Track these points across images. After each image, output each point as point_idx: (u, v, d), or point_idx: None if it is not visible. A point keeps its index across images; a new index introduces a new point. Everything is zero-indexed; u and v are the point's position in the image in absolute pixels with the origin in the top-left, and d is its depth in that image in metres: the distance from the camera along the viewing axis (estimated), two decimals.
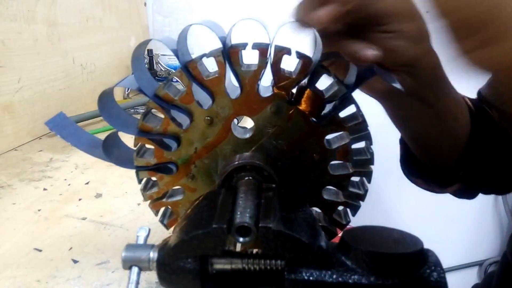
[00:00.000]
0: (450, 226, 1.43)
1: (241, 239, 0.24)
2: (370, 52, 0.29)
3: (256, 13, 1.27)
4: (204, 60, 0.30)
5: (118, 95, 1.07)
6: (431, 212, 1.35)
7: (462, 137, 0.44)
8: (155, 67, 1.18)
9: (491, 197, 1.46)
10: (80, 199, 0.52)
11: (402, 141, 0.52)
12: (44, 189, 0.55)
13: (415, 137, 0.45)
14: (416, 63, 0.34)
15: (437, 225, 1.40)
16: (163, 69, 1.18)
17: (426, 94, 0.37)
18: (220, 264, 0.25)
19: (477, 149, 0.45)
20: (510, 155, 0.46)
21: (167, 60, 1.19)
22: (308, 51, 0.31)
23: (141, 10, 1.25)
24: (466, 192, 0.52)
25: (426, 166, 0.48)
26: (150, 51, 1.15)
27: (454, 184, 0.50)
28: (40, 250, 0.41)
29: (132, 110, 0.94)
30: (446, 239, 1.42)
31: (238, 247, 0.25)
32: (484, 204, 1.47)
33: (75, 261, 0.39)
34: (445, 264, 0.25)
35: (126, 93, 1.07)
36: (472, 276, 1.50)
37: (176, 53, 0.29)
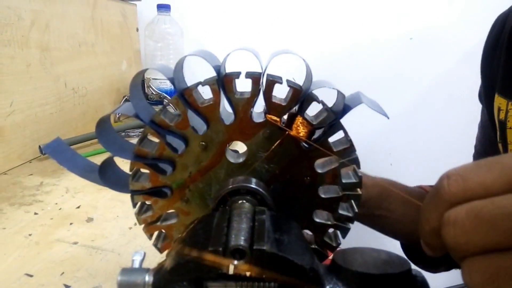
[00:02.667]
0: None
1: (235, 262, 0.24)
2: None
3: (244, 39, 1.31)
4: (199, 87, 0.32)
5: None
6: None
7: None
8: (146, 90, 1.19)
9: None
10: (71, 223, 0.52)
11: None
12: (35, 213, 0.55)
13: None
14: None
15: None
16: (154, 93, 1.20)
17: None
18: None
19: None
20: None
21: (158, 84, 1.20)
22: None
23: (133, 35, 1.27)
24: (453, 268, 0.61)
25: (413, 256, 0.58)
26: None
27: (440, 267, 0.60)
28: (31, 276, 0.41)
29: (123, 133, 0.95)
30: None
31: (231, 270, 0.26)
32: None
33: (67, 286, 0.39)
34: (433, 286, 0.26)
35: (117, 116, 1.08)
36: None
37: (172, 81, 0.31)
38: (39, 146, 0.77)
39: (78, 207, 0.57)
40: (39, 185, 0.65)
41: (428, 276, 0.27)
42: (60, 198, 0.60)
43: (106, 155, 0.32)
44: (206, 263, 0.24)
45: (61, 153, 0.33)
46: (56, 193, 0.62)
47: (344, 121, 0.33)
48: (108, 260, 0.44)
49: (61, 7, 0.88)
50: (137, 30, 1.29)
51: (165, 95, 1.18)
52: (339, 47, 1.30)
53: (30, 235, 0.49)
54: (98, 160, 0.33)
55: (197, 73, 0.31)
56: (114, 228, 0.51)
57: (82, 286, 0.39)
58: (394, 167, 1.32)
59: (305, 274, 0.24)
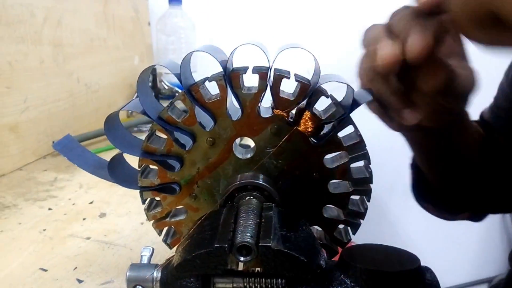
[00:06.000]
0: (457, 242, 1.42)
1: (242, 258, 0.24)
2: (412, 116, 0.31)
3: (255, 33, 1.30)
4: (206, 83, 0.32)
5: (121, 113, 1.08)
6: (438, 228, 1.34)
7: (473, 161, 0.46)
8: (158, 85, 1.20)
9: None
10: (84, 219, 0.53)
11: (413, 166, 0.52)
12: (49, 209, 0.56)
13: (433, 163, 0.47)
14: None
15: (444, 241, 1.39)
16: (166, 87, 1.20)
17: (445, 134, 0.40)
18: (222, 284, 0.25)
19: (485, 175, 0.47)
20: None
21: (170, 78, 1.21)
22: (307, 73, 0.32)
23: (145, 29, 1.27)
24: (474, 217, 0.53)
25: (438, 193, 0.49)
26: (153, 70, 1.17)
27: (464, 212, 0.51)
28: (46, 270, 0.41)
29: (136, 128, 0.95)
30: (454, 256, 1.40)
31: (240, 266, 0.26)
32: (491, 219, 1.46)
33: (80, 281, 0.40)
34: (454, 281, 0.25)
35: (130, 111, 1.08)
36: None
37: (179, 77, 0.31)
38: (53, 142, 0.79)
39: (91, 203, 0.58)
40: (53, 180, 0.66)
41: (437, 272, 0.26)
42: (73, 194, 0.61)
43: (117, 151, 0.33)
44: (212, 260, 0.24)
45: (71, 150, 0.34)
46: (69, 188, 0.63)
47: (353, 115, 0.32)
48: (120, 255, 0.45)
49: (73, 3, 0.88)
50: (149, 24, 1.30)
51: (177, 89, 1.19)
52: (348, 40, 1.28)
53: (44, 230, 0.50)
54: (110, 155, 0.33)
55: (208, 68, 0.31)
56: (126, 224, 0.52)
57: (94, 280, 0.40)
58: (407, 160, 1.30)
59: (311, 271, 0.24)
